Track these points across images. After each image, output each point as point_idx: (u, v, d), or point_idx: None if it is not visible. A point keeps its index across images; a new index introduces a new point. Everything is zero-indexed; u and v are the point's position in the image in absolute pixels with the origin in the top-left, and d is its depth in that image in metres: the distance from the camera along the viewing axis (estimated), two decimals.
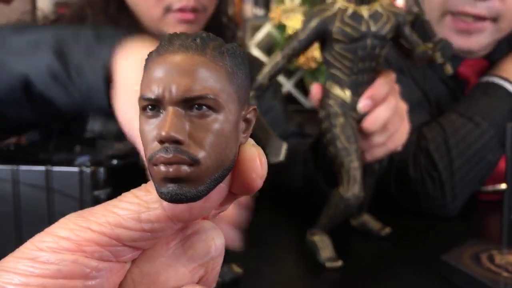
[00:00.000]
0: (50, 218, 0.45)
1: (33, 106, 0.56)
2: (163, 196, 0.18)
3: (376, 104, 0.56)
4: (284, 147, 0.51)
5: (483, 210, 0.77)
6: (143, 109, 0.19)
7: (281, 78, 1.90)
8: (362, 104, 0.55)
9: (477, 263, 0.51)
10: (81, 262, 0.19)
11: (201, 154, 0.18)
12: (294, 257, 0.55)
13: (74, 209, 0.45)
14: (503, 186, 0.79)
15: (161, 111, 0.18)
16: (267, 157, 0.20)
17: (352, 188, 0.52)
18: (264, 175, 0.20)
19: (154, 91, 0.18)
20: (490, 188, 0.81)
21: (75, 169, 0.46)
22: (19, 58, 0.55)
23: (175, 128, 0.17)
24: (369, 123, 0.56)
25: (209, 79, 0.18)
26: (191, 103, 0.18)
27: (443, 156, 0.73)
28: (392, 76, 0.58)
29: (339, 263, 0.51)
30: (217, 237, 0.21)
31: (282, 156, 0.51)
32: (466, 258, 0.52)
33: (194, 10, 0.82)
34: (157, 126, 0.18)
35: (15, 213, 0.47)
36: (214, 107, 0.18)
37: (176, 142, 0.17)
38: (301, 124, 0.89)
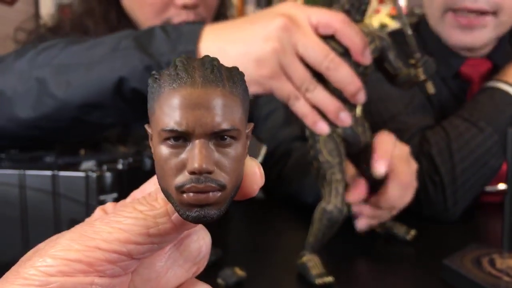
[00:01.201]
0: (56, 222, 0.46)
1: (125, 105, 0.58)
2: (189, 219, 0.19)
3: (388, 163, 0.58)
4: (263, 150, 0.52)
5: (484, 214, 0.77)
6: (166, 138, 0.19)
7: None
8: (379, 170, 0.57)
9: (478, 267, 0.51)
10: (98, 282, 0.19)
11: (226, 180, 0.20)
12: (297, 261, 0.55)
13: (80, 214, 0.46)
14: (501, 186, 0.79)
15: (187, 142, 0.19)
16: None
17: (334, 201, 0.52)
18: (262, 184, 0.22)
19: (183, 124, 0.19)
20: (489, 188, 0.81)
21: (81, 173, 0.46)
22: (106, 64, 0.56)
23: (206, 160, 0.19)
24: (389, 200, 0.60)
25: (231, 111, 0.20)
26: (217, 135, 0.19)
27: (446, 160, 0.73)
28: (391, 137, 0.61)
29: (330, 278, 0.50)
30: (206, 236, 0.23)
31: (260, 158, 0.52)
32: (467, 262, 0.52)
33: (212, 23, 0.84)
34: (187, 158, 0.19)
35: (22, 217, 0.47)
36: (236, 136, 0.20)
37: (207, 172, 0.19)
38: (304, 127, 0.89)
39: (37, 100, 0.59)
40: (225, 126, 0.19)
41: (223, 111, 0.19)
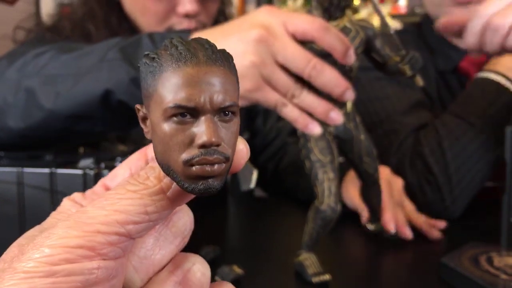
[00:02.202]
0: None
1: (113, 115, 0.59)
2: (195, 191, 0.20)
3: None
4: (254, 175, 0.52)
5: (482, 212, 0.77)
6: (173, 115, 0.20)
7: None
8: (392, 227, 0.63)
9: (476, 266, 0.51)
10: (103, 266, 0.19)
11: (229, 152, 0.21)
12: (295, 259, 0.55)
13: None
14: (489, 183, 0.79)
15: (193, 118, 0.20)
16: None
17: (327, 200, 0.52)
18: (248, 158, 0.23)
19: (191, 101, 0.20)
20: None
21: (78, 171, 0.46)
22: (92, 76, 0.57)
23: (215, 134, 0.20)
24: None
25: (233, 89, 0.21)
26: (222, 111, 0.21)
27: (438, 160, 0.73)
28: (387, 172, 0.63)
29: (326, 277, 0.50)
30: (189, 212, 0.25)
31: (253, 184, 0.52)
32: (465, 260, 0.52)
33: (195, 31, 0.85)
34: (195, 132, 0.20)
35: (20, 214, 0.47)
36: (235, 112, 0.21)
37: (216, 145, 0.20)
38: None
39: (26, 111, 0.60)
40: (229, 102, 0.21)
41: (226, 88, 0.21)
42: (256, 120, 0.98)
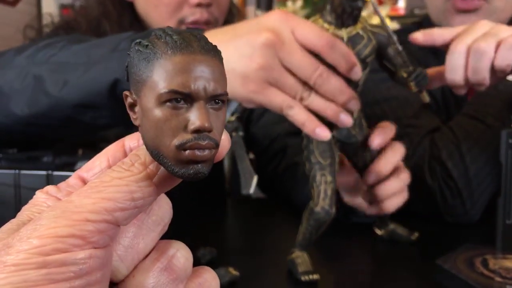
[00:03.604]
0: None
1: (119, 107, 0.58)
2: (185, 175, 0.21)
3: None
4: (254, 180, 0.52)
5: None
6: (167, 100, 0.21)
7: None
8: (375, 142, 0.57)
9: (471, 268, 0.51)
10: (95, 255, 0.19)
11: (218, 139, 0.22)
12: None
13: None
14: None
15: (187, 104, 0.21)
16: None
17: (322, 203, 0.52)
18: (229, 148, 0.24)
19: (187, 87, 0.21)
20: None
21: None
22: (103, 65, 0.57)
23: (208, 120, 0.21)
24: (381, 166, 0.58)
25: (223, 78, 0.22)
26: (214, 99, 0.21)
27: (457, 163, 0.71)
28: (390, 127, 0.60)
29: (315, 276, 0.51)
30: (168, 200, 0.25)
31: (252, 189, 0.52)
32: (460, 262, 0.53)
33: (207, 22, 0.87)
34: (188, 118, 0.21)
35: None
36: (225, 101, 0.22)
37: (208, 131, 0.21)
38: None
39: (32, 97, 0.60)
40: (220, 90, 0.21)
41: (218, 78, 0.21)
42: (254, 123, 0.99)
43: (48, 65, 0.60)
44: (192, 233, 0.65)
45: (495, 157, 0.69)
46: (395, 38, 0.53)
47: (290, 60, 0.50)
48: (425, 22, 0.93)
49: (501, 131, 0.57)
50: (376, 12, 0.53)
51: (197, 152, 0.21)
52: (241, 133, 0.54)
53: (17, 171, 0.47)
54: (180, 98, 0.21)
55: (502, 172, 0.58)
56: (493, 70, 0.56)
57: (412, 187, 0.75)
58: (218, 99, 0.22)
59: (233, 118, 0.53)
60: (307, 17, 0.56)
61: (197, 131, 0.21)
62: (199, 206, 0.72)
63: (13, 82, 0.61)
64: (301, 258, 0.53)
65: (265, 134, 0.94)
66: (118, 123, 0.63)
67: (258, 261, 0.59)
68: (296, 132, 0.85)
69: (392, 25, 1.93)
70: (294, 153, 0.85)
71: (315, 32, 0.51)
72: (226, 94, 0.22)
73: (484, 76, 0.56)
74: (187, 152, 0.21)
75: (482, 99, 0.76)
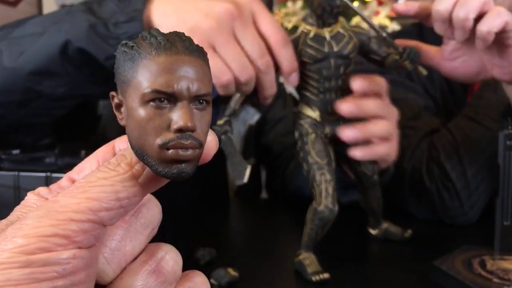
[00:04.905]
0: None
1: (73, 69, 0.58)
2: (168, 175, 0.21)
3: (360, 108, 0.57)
4: (248, 170, 0.53)
5: None
6: (150, 100, 0.21)
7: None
8: (345, 108, 0.56)
9: (468, 269, 0.51)
10: (79, 255, 0.19)
11: (202, 139, 0.22)
12: (291, 262, 0.55)
13: None
14: None
15: (170, 104, 0.21)
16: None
17: (325, 201, 0.53)
18: (216, 150, 0.24)
19: (170, 86, 0.21)
20: None
21: None
22: (55, 28, 0.57)
23: (191, 119, 0.21)
24: (356, 88, 0.57)
25: (208, 79, 0.22)
26: (198, 99, 0.22)
27: (455, 165, 0.71)
28: (381, 81, 0.59)
29: (325, 275, 0.51)
30: (158, 204, 0.25)
31: (246, 178, 0.53)
32: (458, 263, 0.53)
33: None
34: (171, 117, 0.21)
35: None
36: (209, 101, 0.22)
37: (191, 130, 0.21)
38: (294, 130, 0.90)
39: None
40: (204, 91, 0.22)
41: (202, 78, 0.22)
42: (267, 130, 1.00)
43: (6, 41, 0.60)
44: (192, 233, 0.65)
45: (493, 159, 0.70)
46: (376, 27, 0.55)
47: (244, 34, 0.51)
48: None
49: (499, 133, 0.57)
50: (351, 7, 0.55)
51: (180, 152, 0.21)
52: (230, 135, 0.54)
53: (16, 173, 0.48)
54: (164, 97, 0.21)
55: (500, 174, 0.58)
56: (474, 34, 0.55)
57: (410, 189, 0.75)
58: (202, 99, 0.22)
59: (222, 122, 0.54)
60: None
61: (180, 130, 0.21)
62: (202, 207, 0.72)
63: None
64: (309, 259, 0.53)
65: (276, 143, 0.96)
66: (78, 93, 0.62)
67: (257, 261, 0.59)
68: None
69: (392, 26, 1.93)
70: None
71: (274, 25, 0.52)
72: (210, 94, 0.22)
73: (468, 14, 0.54)
74: (170, 151, 0.21)
75: (481, 101, 0.76)
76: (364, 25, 0.60)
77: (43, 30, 0.58)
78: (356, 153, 0.58)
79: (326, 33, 0.55)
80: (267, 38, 0.52)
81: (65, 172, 0.48)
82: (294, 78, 0.54)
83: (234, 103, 0.55)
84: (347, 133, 0.57)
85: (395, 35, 0.87)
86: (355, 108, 0.56)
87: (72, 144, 0.66)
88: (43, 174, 0.47)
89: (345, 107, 0.56)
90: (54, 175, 0.47)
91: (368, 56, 0.58)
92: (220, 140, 0.54)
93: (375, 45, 0.57)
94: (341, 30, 0.55)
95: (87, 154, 0.64)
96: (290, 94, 0.96)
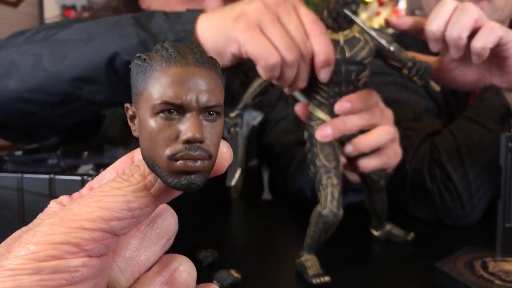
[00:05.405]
0: None
1: (117, 80, 0.59)
2: (177, 186, 0.21)
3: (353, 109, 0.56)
4: (238, 172, 0.53)
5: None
6: (160, 111, 0.21)
7: None
8: (339, 106, 0.55)
9: (470, 271, 0.51)
10: (88, 263, 0.20)
11: (212, 150, 0.22)
12: (293, 263, 0.55)
13: None
14: None
15: (179, 115, 0.21)
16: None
17: (330, 205, 0.53)
18: (230, 161, 0.24)
19: (179, 98, 0.21)
20: None
21: (77, 177, 0.47)
22: (103, 38, 0.58)
23: (200, 131, 0.21)
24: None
25: (218, 90, 0.22)
26: (207, 110, 0.22)
27: (457, 167, 0.71)
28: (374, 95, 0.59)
29: (326, 278, 0.52)
30: (174, 214, 0.25)
31: (234, 181, 0.53)
32: (460, 265, 0.53)
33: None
34: (181, 128, 0.21)
35: (20, 220, 0.48)
36: (220, 113, 0.22)
37: (200, 142, 0.21)
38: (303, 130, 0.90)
39: (30, 72, 0.60)
40: (213, 102, 0.22)
41: (212, 89, 0.22)
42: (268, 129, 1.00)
43: (48, 43, 0.61)
44: (194, 235, 0.65)
45: (495, 160, 0.70)
46: (383, 42, 0.53)
47: (289, 19, 0.52)
48: None
49: (501, 135, 0.57)
50: (355, 20, 0.53)
51: (189, 163, 0.21)
52: (239, 130, 0.54)
53: (20, 175, 0.48)
54: (173, 109, 0.21)
55: (502, 176, 0.58)
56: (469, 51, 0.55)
57: (412, 190, 0.75)
58: (212, 110, 0.22)
59: (234, 115, 0.54)
60: None
61: (188, 141, 0.21)
62: (204, 209, 0.72)
63: (13, 58, 0.61)
64: (310, 261, 0.53)
65: (277, 143, 0.96)
66: (116, 100, 0.63)
67: (259, 263, 0.59)
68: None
69: (388, 31, 1.92)
70: (303, 155, 0.85)
71: (314, 16, 0.53)
72: (221, 105, 0.22)
73: (461, 33, 0.54)
74: (179, 162, 0.21)
75: (483, 102, 0.76)
76: (388, 30, 0.59)
77: (88, 38, 0.59)
78: (368, 163, 0.58)
79: (341, 37, 0.54)
80: (308, 28, 0.52)
81: (68, 174, 0.48)
82: (326, 71, 0.53)
83: (247, 97, 0.55)
84: (360, 148, 0.57)
85: (398, 35, 0.87)
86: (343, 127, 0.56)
87: (75, 146, 0.66)
88: (46, 176, 0.47)
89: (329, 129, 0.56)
90: (58, 177, 0.47)
91: (387, 61, 0.56)
92: (229, 131, 0.54)
93: (395, 49, 0.54)
94: (357, 35, 0.54)
95: (89, 156, 0.64)
96: (291, 95, 0.96)
